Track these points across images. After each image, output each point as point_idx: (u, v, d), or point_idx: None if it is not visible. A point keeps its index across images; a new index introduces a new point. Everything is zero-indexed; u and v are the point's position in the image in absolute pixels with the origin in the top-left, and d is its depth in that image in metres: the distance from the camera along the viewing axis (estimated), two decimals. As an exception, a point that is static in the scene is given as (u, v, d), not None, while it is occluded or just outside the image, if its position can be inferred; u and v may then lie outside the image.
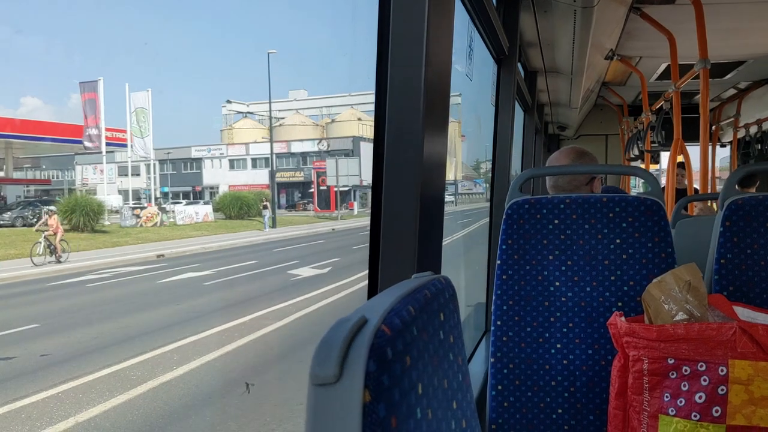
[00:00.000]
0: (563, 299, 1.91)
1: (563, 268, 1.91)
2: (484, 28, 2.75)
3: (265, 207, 31.02)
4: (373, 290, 1.42)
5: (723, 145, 9.03)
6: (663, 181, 7.24)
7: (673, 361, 1.54)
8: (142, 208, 30.08)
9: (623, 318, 1.64)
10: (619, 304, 1.89)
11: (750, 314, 1.66)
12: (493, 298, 1.95)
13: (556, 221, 1.92)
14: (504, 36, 3.04)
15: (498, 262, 1.94)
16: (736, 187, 1.98)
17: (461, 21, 2.54)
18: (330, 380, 0.51)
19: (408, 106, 1.39)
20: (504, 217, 1.94)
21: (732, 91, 7.42)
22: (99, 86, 29.23)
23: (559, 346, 1.91)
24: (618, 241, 1.90)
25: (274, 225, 31.18)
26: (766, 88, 6.73)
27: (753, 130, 7.33)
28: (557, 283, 1.91)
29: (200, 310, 11.68)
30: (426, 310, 0.69)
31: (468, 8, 2.44)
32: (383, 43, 1.43)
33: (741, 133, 7.83)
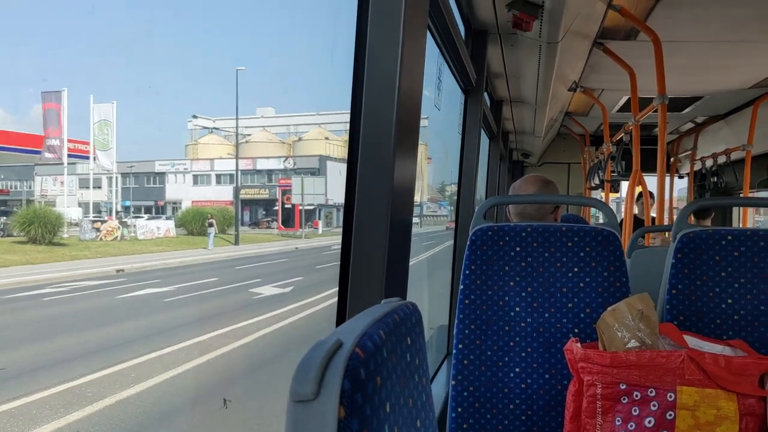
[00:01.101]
0: (522, 324, 1.98)
1: (523, 294, 1.98)
2: (453, 60, 2.83)
3: (210, 225, 30.29)
4: (342, 312, 1.47)
5: (681, 177, 9.29)
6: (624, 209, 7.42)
7: (624, 386, 1.61)
8: (102, 222, 29.54)
9: (579, 344, 1.71)
10: (576, 330, 1.96)
11: (698, 343, 1.74)
12: (456, 321, 2.01)
13: (518, 248, 1.99)
14: (471, 68, 3.14)
15: (461, 286, 2.00)
16: (692, 218, 2.09)
17: (431, 53, 2.63)
18: (309, 397, 0.56)
19: (380, 132, 1.44)
20: (468, 243, 2.01)
21: (690, 125, 7.65)
22: (63, 96, 28.79)
23: (517, 370, 1.97)
24: (576, 269, 1.97)
25: (236, 242, 30.83)
26: (722, 123, 6.96)
27: (709, 163, 7.56)
28: (517, 309, 1.98)
29: (159, 327, 11.53)
30: (395, 334, 0.74)
31: (438, 42, 2.53)
32: (359, 71, 1.48)
33: (698, 166, 8.07)
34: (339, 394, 0.56)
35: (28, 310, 13.27)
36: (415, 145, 1.62)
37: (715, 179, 7.40)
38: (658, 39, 3.72)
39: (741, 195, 6.43)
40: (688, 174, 8.51)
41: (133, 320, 12.10)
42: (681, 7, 3.41)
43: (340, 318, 1.47)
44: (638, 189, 4.89)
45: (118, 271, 19.16)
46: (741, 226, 6.98)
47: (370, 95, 1.45)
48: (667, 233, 4.20)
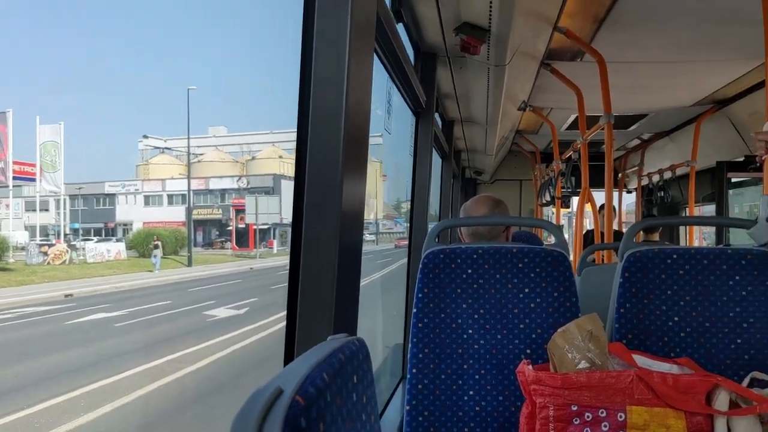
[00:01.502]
0: (476, 347, 1.98)
1: (476, 316, 1.98)
2: (402, 83, 2.84)
3: (156, 246, 29.41)
4: (290, 350, 1.43)
5: (629, 192, 9.51)
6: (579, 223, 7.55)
7: (576, 407, 1.62)
8: (50, 245, 28.77)
9: (531, 366, 1.72)
10: (528, 351, 1.97)
11: (647, 362, 1.76)
12: (410, 345, 2.00)
13: (470, 270, 2.00)
14: (421, 90, 3.15)
15: (414, 310, 2.00)
16: (641, 232, 2.14)
17: (380, 76, 2.64)
18: None
19: (328, 156, 1.42)
20: (420, 266, 2.01)
21: (636, 141, 7.85)
22: (8, 118, 28.07)
23: (471, 393, 1.96)
24: (526, 290, 1.99)
25: (189, 263, 30.33)
26: (667, 139, 7.15)
27: (655, 178, 7.76)
28: (470, 331, 1.98)
29: (110, 353, 11.24)
30: (340, 374, 0.73)
31: (386, 65, 2.53)
32: (305, 94, 1.47)
33: (645, 181, 8.28)
34: None
35: (-29, 338, 12.82)
36: (363, 167, 1.61)
37: (662, 194, 7.60)
38: (603, 60, 3.81)
39: (686, 209, 6.59)
40: (635, 189, 8.71)
41: (83, 346, 11.78)
42: (624, 30, 3.51)
43: (288, 355, 1.44)
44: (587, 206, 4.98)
45: (66, 295, 18.64)
46: (687, 239, 7.16)
47: (316, 117, 1.43)
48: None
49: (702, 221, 6.24)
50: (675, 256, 1.98)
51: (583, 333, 1.69)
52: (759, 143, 2.11)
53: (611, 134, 4.11)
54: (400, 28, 2.55)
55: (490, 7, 2.58)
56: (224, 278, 25.09)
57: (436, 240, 2.12)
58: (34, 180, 30.69)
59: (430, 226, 3.90)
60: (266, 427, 0.55)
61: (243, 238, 41.14)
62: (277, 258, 34.05)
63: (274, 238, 40.46)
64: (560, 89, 4.62)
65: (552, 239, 2.14)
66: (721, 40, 3.72)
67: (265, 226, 39.13)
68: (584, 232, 5.48)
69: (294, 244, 1.44)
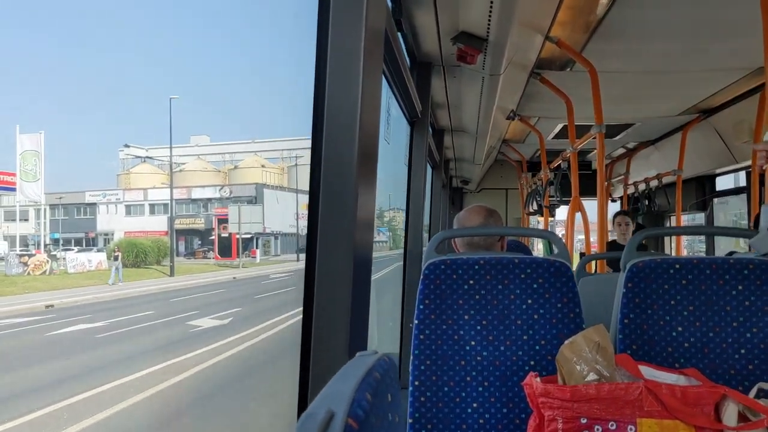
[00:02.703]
0: (479, 358, 1.96)
1: (478, 327, 1.96)
2: (401, 93, 2.84)
3: (116, 258, 28.44)
4: (305, 363, 1.40)
5: (614, 200, 9.57)
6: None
7: (585, 420, 1.60)
8: (30, 256, 28.47)
9: (538, 379, 1.70)
10: (532, 362, 1.95)
11: (653, 373, 1.75)
12: (411, 357, 1.98)
13: (471, 282, 1.98)
14: (417, 99, 3.15)
15: (416, 321, 1.97)
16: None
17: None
18: None
19: (342, 167, 1.41)
20: (421, 277, 1.99)
21: (622, 150, 7.90)
22: (-13, 127, 27.76)
23: (475, 405, 1.94)
24: (529, 301, 1.97)
25: (172, 273, 30.08)
26: (652, 148, 7.21)
27: (641, 187, 7.82)
28: (473, 343, 1.96)
29: (92, 365, 11.10)
30: (378, 394, 0.70)
31: (387, 76, 2.53)
32: (319, 105, 1.45)
33: (630, 190, 8.33)
34: None
35: (-50, 351, 12.62)
36: (374, 178, 1.60)
37: (647, 202, 7.65)
38: (595, 70, 3.82)
39: (673, 217, 6.64)
40: (621, 198, 8.77)
41: (64, 358, 11.63)
42: (615, 40, 3.52)
43: (304, 368, 1.41)
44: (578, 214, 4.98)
45: (47, 306, 18.44)
46: (674, 247, 7.21)
47: (331, 128, 1.42)
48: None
49: (705, 231, 6.22)
50: (677, 266, 1.97)
51: (590, 344, 1.68)
52: (760, 153, 2.12)
53: (603, 143, 4.12)
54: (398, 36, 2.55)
55: (489, 16, 2.57)
56: (207, 288, 24.90)
57: (435, 251, 2.10)
58: (13, 189, 30.39)
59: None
60: None
61: (226, 247, 40.94)
62: (260, 267, 33.87)
63: (257, 248, 40.31)
64: (549, 98, 4.63)
65: (540, 248, 2.13)
66: (709, 51, 3.75)
67: (248, 236, 39.00)
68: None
69: (309, 255, 1.42)
